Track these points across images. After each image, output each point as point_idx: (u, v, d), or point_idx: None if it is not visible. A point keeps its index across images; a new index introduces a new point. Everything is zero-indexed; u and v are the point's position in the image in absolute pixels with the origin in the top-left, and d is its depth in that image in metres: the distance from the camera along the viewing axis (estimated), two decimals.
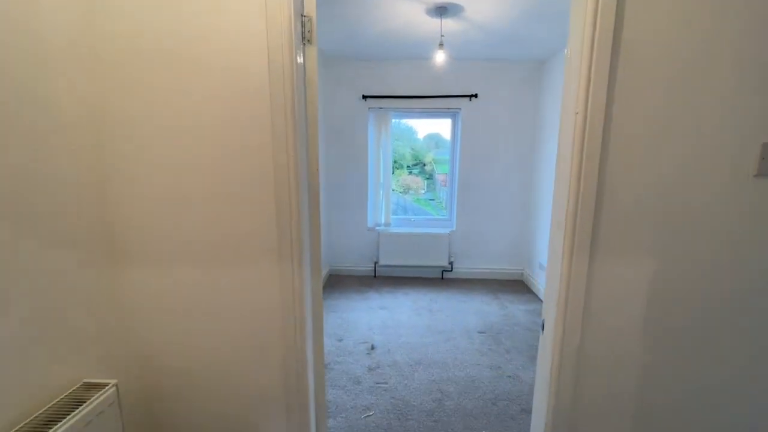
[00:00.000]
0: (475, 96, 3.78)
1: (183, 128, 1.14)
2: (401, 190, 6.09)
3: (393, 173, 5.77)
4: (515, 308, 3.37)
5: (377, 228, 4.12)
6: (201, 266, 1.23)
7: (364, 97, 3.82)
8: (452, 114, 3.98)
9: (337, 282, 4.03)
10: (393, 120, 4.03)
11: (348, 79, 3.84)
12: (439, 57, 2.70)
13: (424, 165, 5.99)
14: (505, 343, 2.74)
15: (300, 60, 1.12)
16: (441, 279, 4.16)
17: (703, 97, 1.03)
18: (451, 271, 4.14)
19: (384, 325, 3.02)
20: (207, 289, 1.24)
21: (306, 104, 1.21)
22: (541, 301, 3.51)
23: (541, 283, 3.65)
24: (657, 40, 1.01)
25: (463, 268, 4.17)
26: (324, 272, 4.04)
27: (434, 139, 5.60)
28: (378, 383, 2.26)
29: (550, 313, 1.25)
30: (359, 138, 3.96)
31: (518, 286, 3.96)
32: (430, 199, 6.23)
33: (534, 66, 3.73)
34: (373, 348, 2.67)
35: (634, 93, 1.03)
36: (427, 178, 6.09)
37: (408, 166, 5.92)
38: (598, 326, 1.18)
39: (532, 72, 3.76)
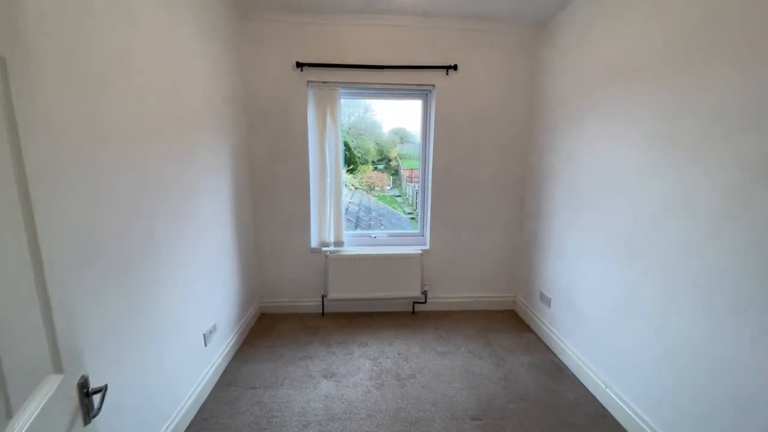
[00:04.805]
0: (454, 68, 2.77)
1: None
2: (365, 188, 5.20)
3: (357, 170, 4.78)
4: (516, 362, 2.42)
5: (324, 250, 3.00)
6: None
7: (299, 65, 2.67)
8: (423, 93, 2.94)
9: (270, 327, 2.87)
10: (343, 100, 2.93)
11: (275, 39, 2.67)
12: None
13: (390, 161, 5.26)
14: None
15: None
16: (412, 313, 3.13)
17: None
18: (425, 302, 3.13)
19: (328, 414, 1.93)
20: None
21: None
22: (546, 345, 2.59)
23: (542, 318, 2.73)
24: None
25: (440, 297, 3.18)
26: (251, 311, 2.87)
27: (399, 134, 4.90)
28: None
29: None
30: (296, 123, 2.81)
31: (511, 321, 3.03)
32: (396, 196, 5.44)
33: (531, 29, 2.78)
34: None
35: None
36: (393, 174, 5.32)
37: (373, 162, 5.13)
38: None
39: (529, 37, 2.80)
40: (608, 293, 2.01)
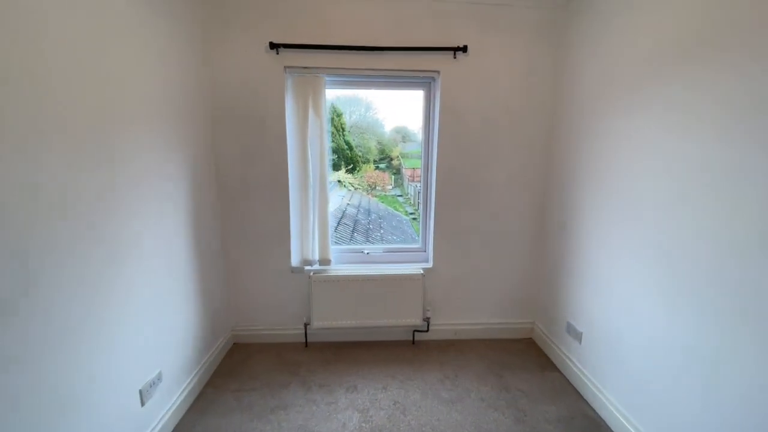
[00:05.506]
0: (463, 50, 2.27)
1: None
2: (366, 188, 5.00)
3: (359, 169, 4.49)
4: (541, 416, 1.93)
5: (308, 269, 2.53)
6: None
7: (274, 46, 2.19)
8: (426, 81, 2.45)
9: (242, 361, 2.40)
10: (337, 92, 2.45)
11: (244, 13, 2.18)
12: None
13: (391, 159, 5.06)
14: None
15: None
16: (412, 343, 2.65)
17: None
18: (427, 331, 2.65)
19: None
20: None
21: None
22: (576, 390, 2.10)
23: (569, 354, 2.24)
24: None
25: (445, 324, 2.69)
26: (220, 342, 2.40)
27: (401, 132, 4.66)
28: None
29: None
30: (272, 118, 2.33)
31: (530, 354, 2.54)
32: (398, 196, 5.26)
33: (554, 4, 2.28)
34: None
35: None
36: (395, 173, 5.13)
37: (375, 161, 4.85)
38: None
39: (552, 14, 2.30)
40: (671, 342, 1.51)
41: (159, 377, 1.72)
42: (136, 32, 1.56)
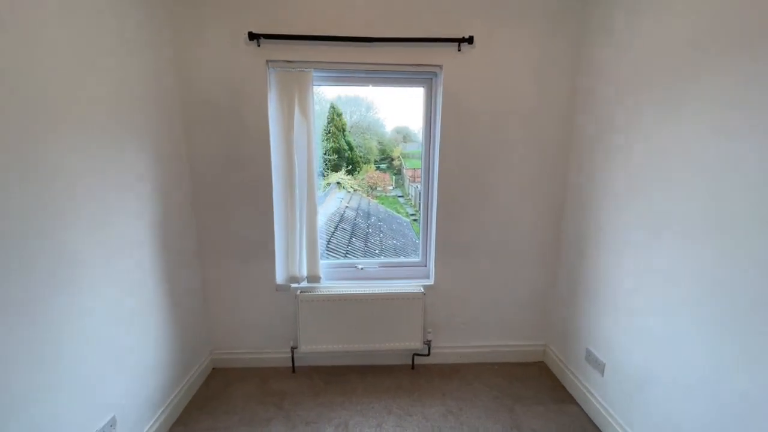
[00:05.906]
0: (469, 41, 2.01)
1: None
2: (366, 189, 4.85)
3: (359, 170, 4.31)
4: None
5: (294, 287, 2.27)
6: None
7: (254, 37, 1.93)
8: (427, 78, 2.18)
9: (221, 391, 2.14)
10: (326, 89, 2.19)
11: (222, 3, 1.93)
12: None
13: (392, 160, 4.90)
14: None
15: None
16: (411, 368, 2.39)
17: None
18: (428, 355, 2.38)
19: None
20: None
21: None
22: (597, 427, 1.84)
23: (589, 385, 1.98)
24: None
25: (448, 347, 2.43)
26: (195, 370, 2.15)
27: (402, 132, 4.48)
28: None
29: None
30: (253, 118, 2.07)
31: (542, 381, 2.28)
32: (399, 196, 5.10)
33: None
34: None
35: None
36: (395, 174, 4.96)
37: (375, 161, 4.67)
38: None
39: (569, 3, 2.04)
40: (720, 385, 1.25)
41: (111, 424, 1.46)
42: (96, 17, 1.31)
